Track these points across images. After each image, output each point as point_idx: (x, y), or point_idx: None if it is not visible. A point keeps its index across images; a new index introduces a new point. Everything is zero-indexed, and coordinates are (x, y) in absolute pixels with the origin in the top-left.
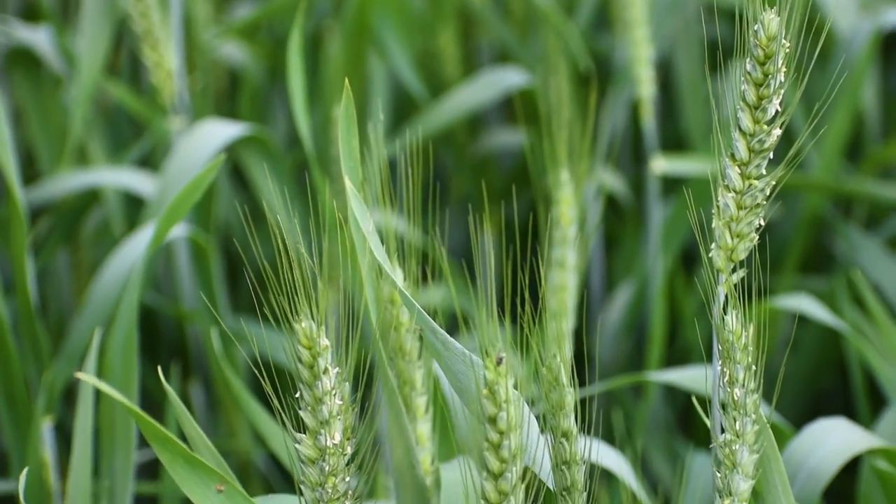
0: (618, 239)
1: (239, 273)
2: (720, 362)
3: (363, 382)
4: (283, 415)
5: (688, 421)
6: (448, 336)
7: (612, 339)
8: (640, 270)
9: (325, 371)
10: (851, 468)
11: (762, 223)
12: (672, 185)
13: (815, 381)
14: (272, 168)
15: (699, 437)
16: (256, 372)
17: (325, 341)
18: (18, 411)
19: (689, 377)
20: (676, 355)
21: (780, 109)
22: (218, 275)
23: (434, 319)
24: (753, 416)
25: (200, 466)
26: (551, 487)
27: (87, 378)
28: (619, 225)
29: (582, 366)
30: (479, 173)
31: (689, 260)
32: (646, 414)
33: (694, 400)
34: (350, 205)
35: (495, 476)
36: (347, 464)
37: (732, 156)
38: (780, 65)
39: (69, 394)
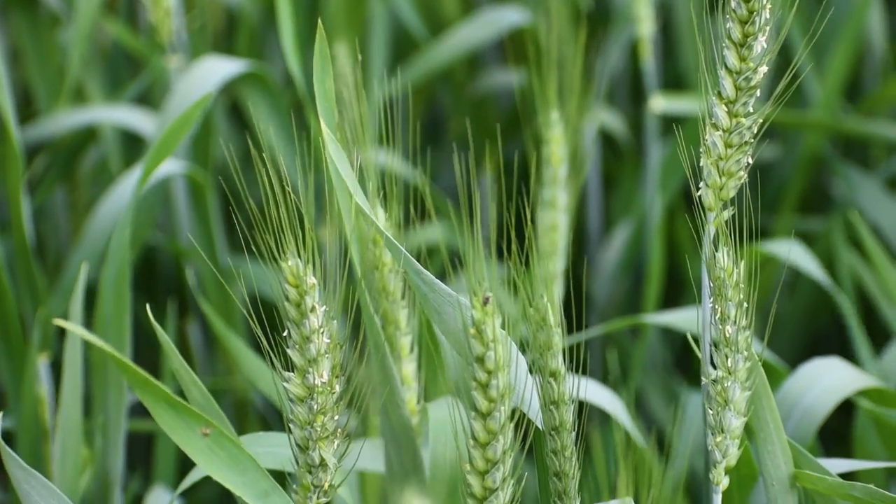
0: (616, 179)
1: (236, 212)
2: (711, 299)
3: (350, 321)
4: (272, 354)
5: (685, 361)
6: (433, 277)
7: (610, 278)
8: (638, 210)
9: (313, 309)
10: (847, 409)
11: (750, 161)
12: (672, 124)
13: (812, 322)
14: (271, 106)
15: (697, 377)
16: (245, 312)
17: (311, 279)
18: (14, 348)
19: (685, 318)
20: (674, 295)
21: (765, 47)
22: (215, 213)
23: (428, 260)
24: (745, 352)
25: (184, 410)
26: (540, 427)
27: (62, 322)
28: (617, 165)
29: (578, 305)
30: (477, 113)
31: (688, 199)
32: (642, 354)
33: (689, 337)
34: (327, 149)
35: (484, 416)
36: (336, 402)
37: (719, 94)
38: (765, 1)
39: (66, 331)
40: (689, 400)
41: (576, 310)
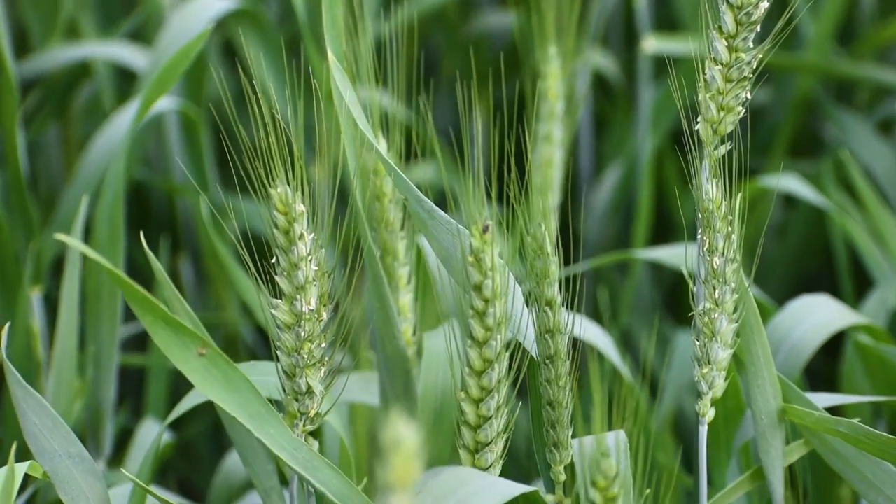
0: (608, 121)
1: (229, 151)
2: (701, 231)
3: (338, 250)
4: (260, 281)
5: (674, 303)
6: (433, 205)
7: (600, 218)
8: (629, 151)
9: (301, 236)
10: (832, 351)
11: (749, 97)
12: (664, 67)
13: (802, 264)
14: (263, 43)
15: (685, 318)
16: (236, 242)
17: (300, 207)
18: (8, 281)
19: (674, 254)
20: (663, 236)
21: None
22: (207, 149)
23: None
24: (733, 284)
25: (181, 329)
26: (534, 356)
27: (69, 240)
28: (609, 107)
29: (569, 244)
30: (470, 54)
31: (678, 141)
32: (631, 292)
33: (684, 270)
34: (333, 76)
35: (480, 344)
36: (323, 330)
37: (720, 28)
38: None
39: (60, 266)
40: (678, 339)
41: (568, 248)
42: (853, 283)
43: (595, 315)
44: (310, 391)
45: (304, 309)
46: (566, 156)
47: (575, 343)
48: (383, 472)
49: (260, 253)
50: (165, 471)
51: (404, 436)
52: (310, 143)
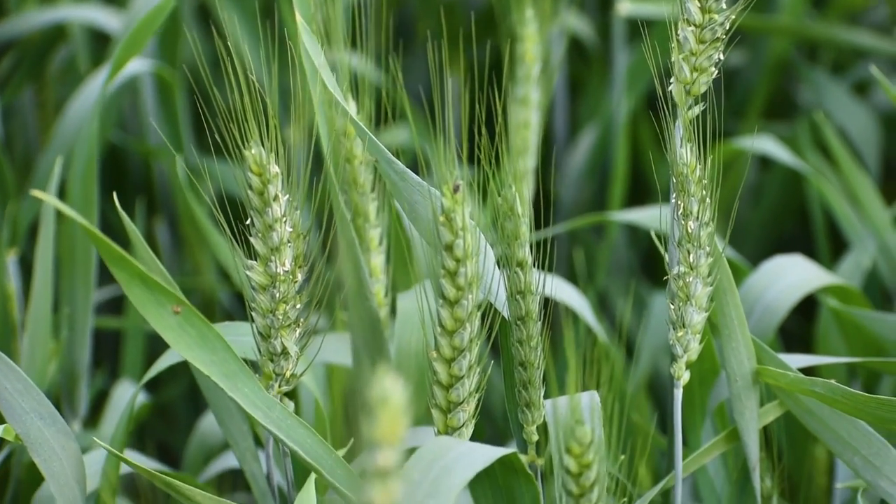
0: (583, 84)
1: (205, 116)
2: (675, 195)
3: (313, 212)
4: (235, 243)
5: (651, 264)
6: (403, 166)
7: (576, 181)
8: (604, 114)
9: (276, 198)
10: (807, 312)
11: (721, 58)
12: (639, 30)
13: (778, 226)
14: (238, 5)
15: (662, 279)
16: (211, 205)
17: (274, 168)
18: None
19: (649, 216)
20: (638, 199)
21: None
22: (183, 112)
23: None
24: (707, 248)
25: (156, 287)
26: (506, 317)
27: (44, 196)
28: (585, 70)
29: (545, 207)
30: (445, 18)
31: (653, 104)
32: (608, 254)
33: (653, 234)
34: (301, 38)
35: (451, 304)
36: (298, 291)
37: None
38: None
39: (35, 230)
40: (654, 300)
41: (543, 211)
42: (829, 245)
43: (571, 277)
44: (285, 352)
45: (278, 270)
46: (542, 118)
47: (548, 304)
48: (369, 428)
49: (236, 215)
50: (143, 433)
51: (391, 392)
52: (286, 106)
